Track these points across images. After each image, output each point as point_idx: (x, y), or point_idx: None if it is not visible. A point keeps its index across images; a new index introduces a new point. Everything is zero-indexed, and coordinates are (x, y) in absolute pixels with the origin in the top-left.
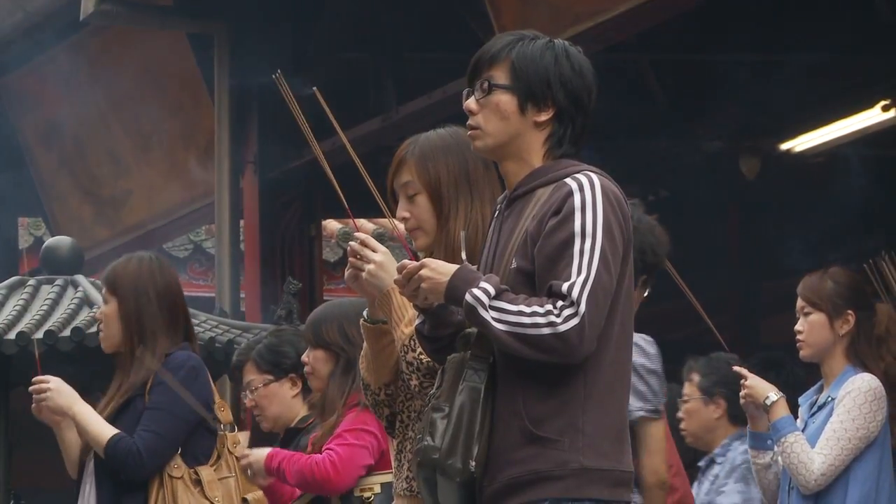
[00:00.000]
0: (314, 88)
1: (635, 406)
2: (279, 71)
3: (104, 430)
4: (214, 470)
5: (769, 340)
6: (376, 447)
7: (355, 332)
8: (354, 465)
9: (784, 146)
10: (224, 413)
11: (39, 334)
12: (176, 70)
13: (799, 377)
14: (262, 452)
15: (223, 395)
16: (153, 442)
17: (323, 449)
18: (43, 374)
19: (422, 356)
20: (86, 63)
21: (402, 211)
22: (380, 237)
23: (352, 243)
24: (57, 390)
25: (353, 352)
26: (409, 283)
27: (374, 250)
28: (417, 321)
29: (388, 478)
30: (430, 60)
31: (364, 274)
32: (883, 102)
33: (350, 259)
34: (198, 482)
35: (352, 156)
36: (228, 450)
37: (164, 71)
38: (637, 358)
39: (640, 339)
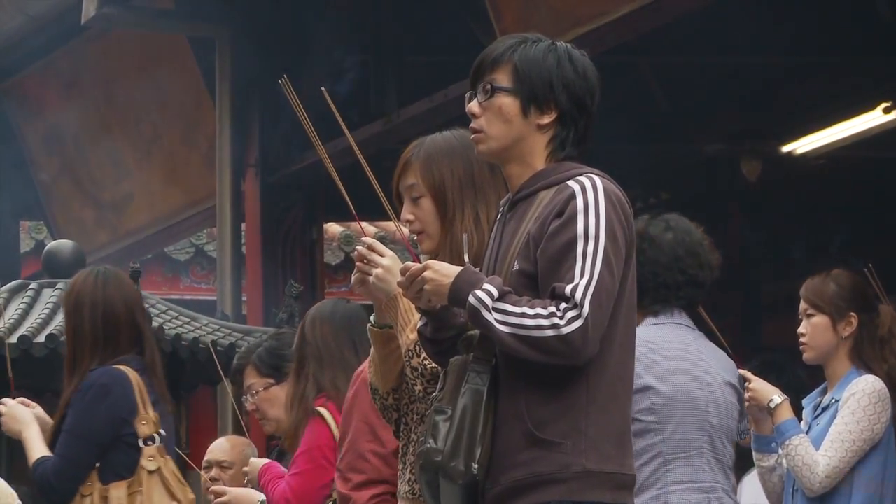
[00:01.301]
0: (322, 88)
1: None
2: (285, 76)
3: (33, 455)
4: (129, 485)
5: (771, 343)
6: (333, 457)
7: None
8: (312, 490)
9: (785, 148)
10: (145, 427)
11: (41, 338)
12: (177, 73)
13: (800, 380)
14: (257, 464)
15: (224, 399)
16: (60, 466)
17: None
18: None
19: (426, 361)
20: (87, 67)
21: (406, 213)
22: (381, 240)
23: (359, 248)
24: (9, 415)
25: (306, 350)
26: (412, 284)
27: (381, 255)
28: (420, 323)
29: None
30: (431, 63)
31: (371, 278)
32: (884, 104)
33: (357, 263)
34: (106, 499)
35: (359, 157)
36: (142, 465)
37: (166, 74)
38: None
39: None
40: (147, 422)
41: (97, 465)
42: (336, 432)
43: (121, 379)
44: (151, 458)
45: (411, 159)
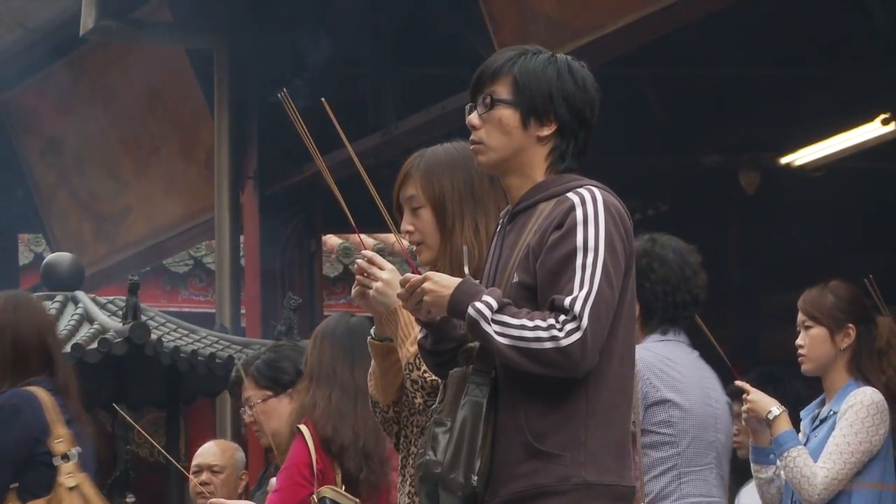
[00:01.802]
0: (322, 100)
1: None
2: (284, 90)
3: None
4: (48, 503)
5: (769, 355)
6: (309, 474)
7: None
8: None
9: (784, 160)
10: (60, 445)
11: None
12: (175, 85)
13: (797, 392)
14: None
15: (223, 411)
16: None
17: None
18: None
19: (426, 374)
20: (85, 79)
21: (406, 224)
22: (380, 252)
23: (359, 261)
24: None
25: (306, 367)
26: (412, 296)
27: (381, 268)
28: (420, 335)
29: (327, 492)
30: (430, 76)
31: (371, 292)
32: (882, 116)
33: (357, 277)
34: None
35: (359, 168)
36: (60, 482)
37: (164, 86)
38: None
39: None
40: (61, 439)
41: (14, 485)
42: (312, 449)
43: (30, 399)
44: (70, 474)
45: (412, 170)
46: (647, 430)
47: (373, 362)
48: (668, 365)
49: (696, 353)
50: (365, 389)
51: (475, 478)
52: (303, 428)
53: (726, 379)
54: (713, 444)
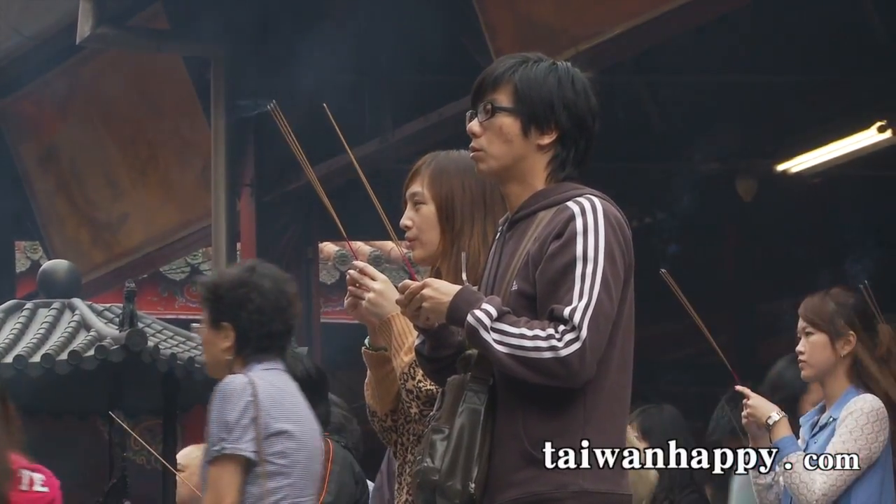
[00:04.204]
0: (324, 105)
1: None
2: (274, 101)
3: None
4: None
5: (766, 362)
6: None
7: None
8: None
9: (780, 167)
10: None
11: (37, 358)
12: (172, 93)
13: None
14: None
15: None
16: None
17: None
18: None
19: (421, 384)
20: (82, 87)
21: (405, 219)
22: (376, 260)
23: (351, 272)
24: None
25: None
26: (411, 302)
27: (373, 278)
28: (417, 342)
29: None
30: (427, 83)
31: (364, 302)
32: (879, 123)
33: (349, 287)
34: None
35: (359, 174)
36: None
37: (161, 94)
38: None
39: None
40: None
41: None
42: None
43: None
44: None
45: (421, 168)
46: (265, 461)
47: (368, 372)
48: (281, 394)
49: (294, 383)
50: None
51: (472, 485)
52: None
53: (728, 384)
54: (316, 475)
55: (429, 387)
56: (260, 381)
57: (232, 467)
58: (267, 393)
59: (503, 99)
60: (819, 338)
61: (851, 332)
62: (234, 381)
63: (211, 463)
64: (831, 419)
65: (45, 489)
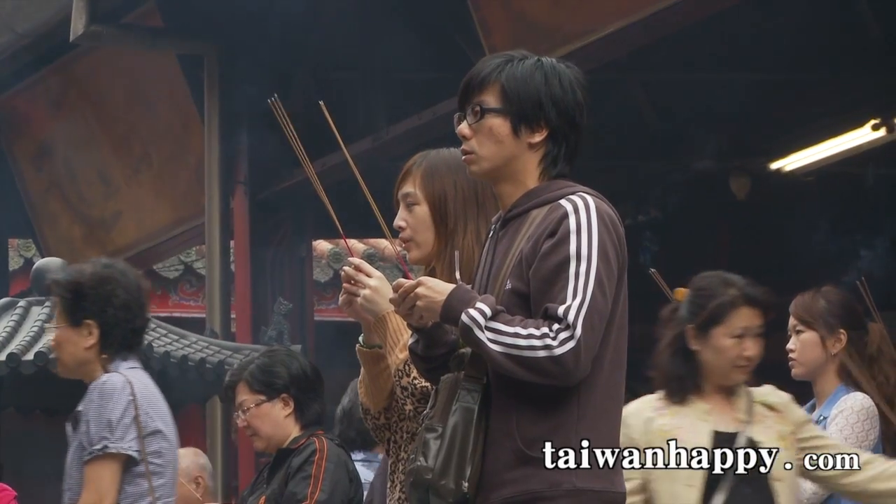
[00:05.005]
0: (320, 102)
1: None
2: (276, 95)
3: None
4: None
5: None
6: None
7: None
8: None
9: (774, 165)
10: None
11: (30, 356)
12: (166, 91)
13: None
14: None
15: (213, 416)
16: None
17: None
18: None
19: (416, 381)
20: (75, 84)
21: (399, 220)
22: (370, 257)
23: (346, 269)
24: None
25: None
26: (405, 301)
27: (368, 275)
28: (411, 340)
29: None
30: (420, 80)
31: (359, 299)
32: (873, 121)
33: (344, 285)
34: None
35: (354, 172)
36: None
37: (154, 92)
38: None
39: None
40: None
41: None
42: None
43: None
44: None
45: (412, 168)
46: (146, 460)
47: (362, 370)
48: (153, 394)
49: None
50: None
51: (466, 484)
52: None
53: None
54: (177, 477)
55: (424, 384)
56: (134, 380)
57: (115, 466)
58: (142, 392)
59: (491, 100)
60: (809, 336)
61: (842, 330)
62: (113, 380)
63: (91, 462)
64: (822, 417)
65: None
